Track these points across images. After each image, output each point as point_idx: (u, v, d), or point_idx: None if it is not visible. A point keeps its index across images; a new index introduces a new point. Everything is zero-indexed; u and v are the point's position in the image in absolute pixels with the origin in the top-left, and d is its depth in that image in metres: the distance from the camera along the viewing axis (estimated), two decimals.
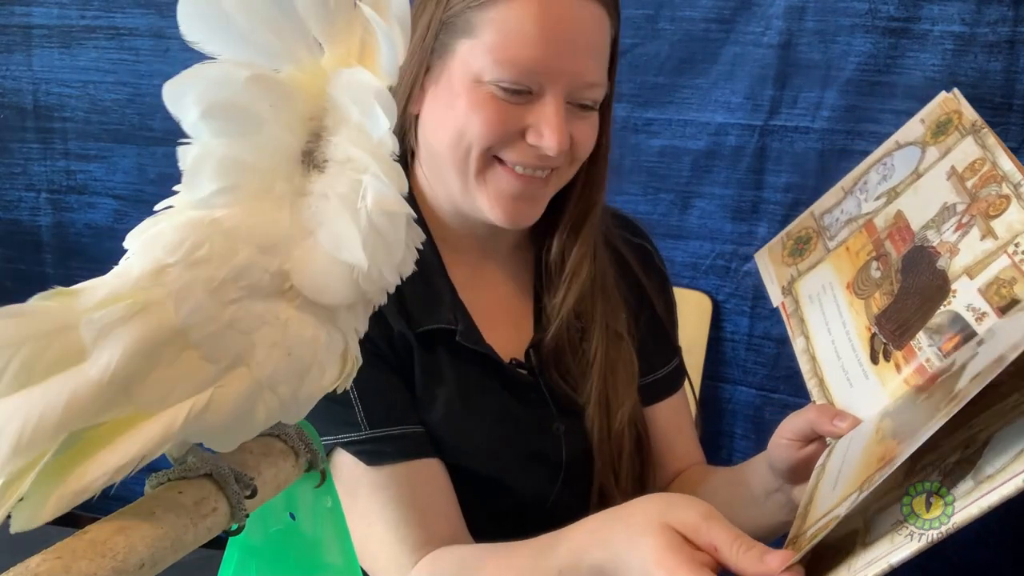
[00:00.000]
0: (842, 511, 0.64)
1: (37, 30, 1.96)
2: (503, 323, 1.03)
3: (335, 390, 0.60)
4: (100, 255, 2.00)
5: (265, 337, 0.54)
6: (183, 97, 0.55)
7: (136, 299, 0.51)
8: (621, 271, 1.11)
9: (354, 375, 0.61)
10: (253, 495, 0.58)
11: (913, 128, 1.03)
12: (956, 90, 1.03)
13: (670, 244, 1.68)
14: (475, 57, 0.91)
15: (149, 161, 1.94)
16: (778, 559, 0.65)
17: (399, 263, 0.59)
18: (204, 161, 0.56)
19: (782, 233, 1.11)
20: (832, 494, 0.71)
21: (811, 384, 0.92)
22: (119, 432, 0.51)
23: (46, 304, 0.52)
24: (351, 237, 0.55)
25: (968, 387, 0.64)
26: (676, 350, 1.17)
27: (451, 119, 0.93)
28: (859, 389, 0.87)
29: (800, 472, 0.90)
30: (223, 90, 0.55)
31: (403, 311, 0.96)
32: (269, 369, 0.54)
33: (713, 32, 1.59)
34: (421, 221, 1.00)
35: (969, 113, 0.97)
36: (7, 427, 0.48)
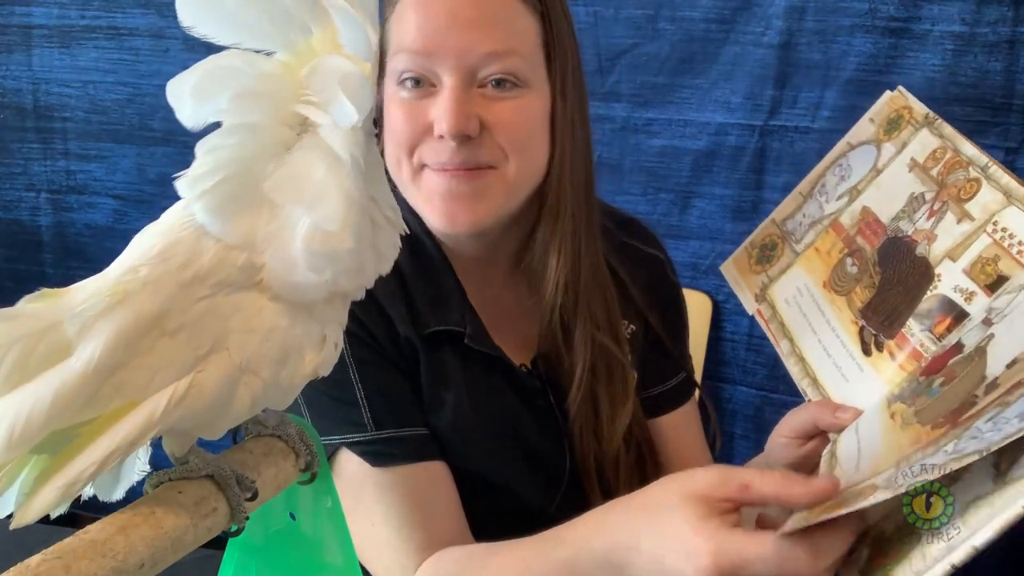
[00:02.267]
0: (879, 481, 0.64)
1: (37, 30, 1.96)
2: (510, 331, 1.02)
3: (324, 379, 0.61)
4: (100, 255, 2.00)
5: (240, 323, 0.55)
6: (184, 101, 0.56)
7: (115, 291, 0.53)
8: (628, 279, 1.09)
9: (334, 362, 0.61)
10: (254, 497, 0.58)
11: (863, 128, 1.05)
12: (901, 88, 1.04)
13: (670, 244, 1.67)
14: (389, 63, 0.92)
15: (149, 161, 1.94)
16: (826, 481, 0.67)
17: (367, 268, 0.59)
18: (202, 170, 0.57)
19: (745, 243, 1.12)
20: (856, 474, 0.71)
21: (803, 384, 0.93)
22: (110, 425, 0.52)
23: (33, 306, 0.53)
24: (296, 262, 0.55)
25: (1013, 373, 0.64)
26: (685, 362, 1.15)
27: (385, 135, 0.94)
28: (855, 382, 0.87)
29: (801, 469, 0.90)
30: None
31: (411, 313, 0.95)
32: (248, 353, 0.55)
33: (713, 32, 1.59)
34: (427, 230, 1.00)
35: (919, 107, 0.99)
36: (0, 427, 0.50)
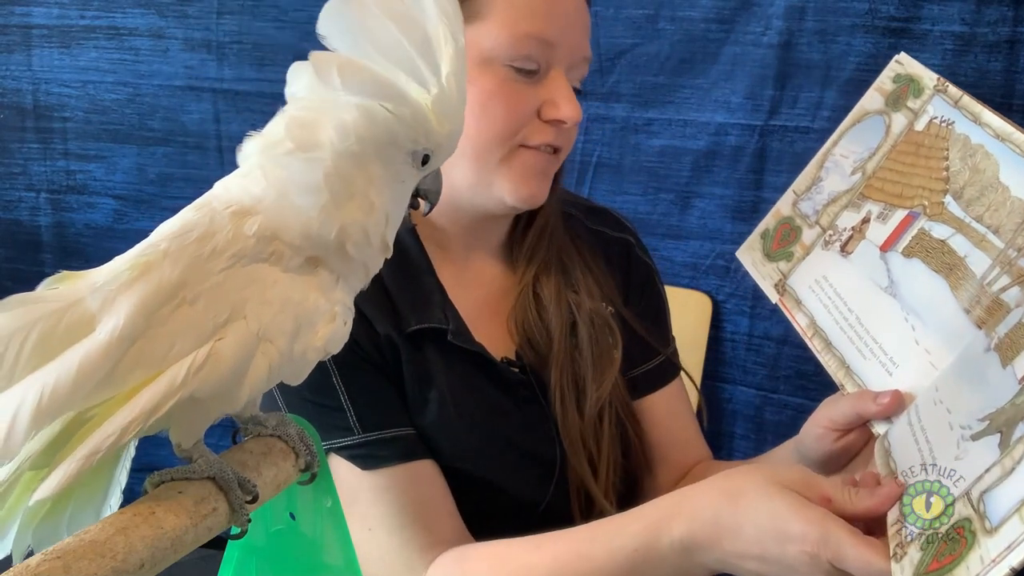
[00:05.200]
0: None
1: (37, 30, 1.97)
2: (492, 322, 1.03)
3: (308, 386, 0.63)
4: (100, 255, 1.99)
5: (256, 293, 0.57)
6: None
7: (135, 264, 0.55)
8: (598, 262, 1.09)
9: (343, 340, 0.62)
10: (254, 500, 0.58)
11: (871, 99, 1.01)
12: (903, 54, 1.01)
13: (670, 244, 1.68)
14: (486, 38, 0.92)
15: (149, 161, 1.94)
16: (890, 486, 0.70)
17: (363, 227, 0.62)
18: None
19: (758, 230, 1.06)
20: (928, 471, 0.70)
21: (839, 376, 0.87)
22: (130, 398, 0.54)
23: (53, 289, 0.56)
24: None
25: None
26: (666, 343, 1.15)
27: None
28: (903, 365, 0.83)
29: (834, 462, 0.88)
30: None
31: (391, 312, 0.95)
32: (264, 321, 0.57)
33: (713, 32, 1.60)
34: (409, 229, 1.00)
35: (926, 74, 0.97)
36: (27, 398, 0.52)
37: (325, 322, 0.60)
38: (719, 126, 1.62)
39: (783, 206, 1.04)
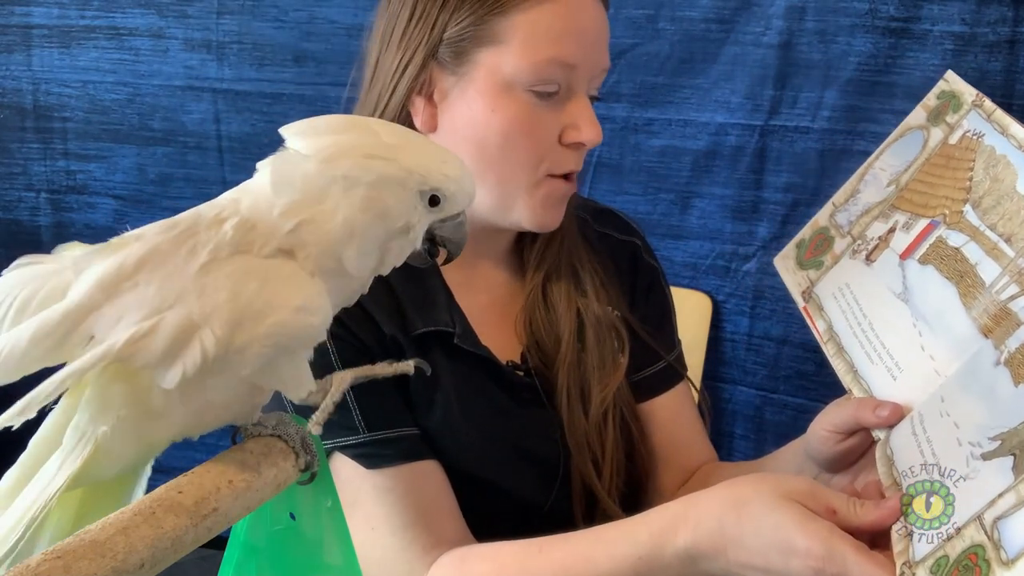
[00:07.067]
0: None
1: (37, 30, 1.96)
2: (498, 326, 1.03)
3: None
4: None
5: (212, 281, 0.58)
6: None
7: (112, 243, 0.60)
8: (604, 265, 1.09)
9: (308, 333, 0.61)
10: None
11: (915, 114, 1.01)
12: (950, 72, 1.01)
13: (670, 244, 1.68)
14: (507, 64, 0.91)
15: (149, 161, 1.94)
16: (895, 499, 0.70)
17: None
18: None
19: (795, 239, 1.05)
20: (930, 472, 0.70)
21: (847, 380, 0.88)
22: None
23: (61, 252, 0.61)
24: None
25: None
26: (671, 346, 1.15)
27: (485, 133, 0.93)
28: (907, 372, 0.83)
29: (841, 462, 0.89)
30: None
31: (397, 314, 0.95)
32: (207, 307, 0.57)
33: (713, 32, 1.60)
34: None
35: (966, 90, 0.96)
36: None
37: (276, 313, 0.59)
38: (719, 126, 1.62)
39: (821, 217, 1.04)
